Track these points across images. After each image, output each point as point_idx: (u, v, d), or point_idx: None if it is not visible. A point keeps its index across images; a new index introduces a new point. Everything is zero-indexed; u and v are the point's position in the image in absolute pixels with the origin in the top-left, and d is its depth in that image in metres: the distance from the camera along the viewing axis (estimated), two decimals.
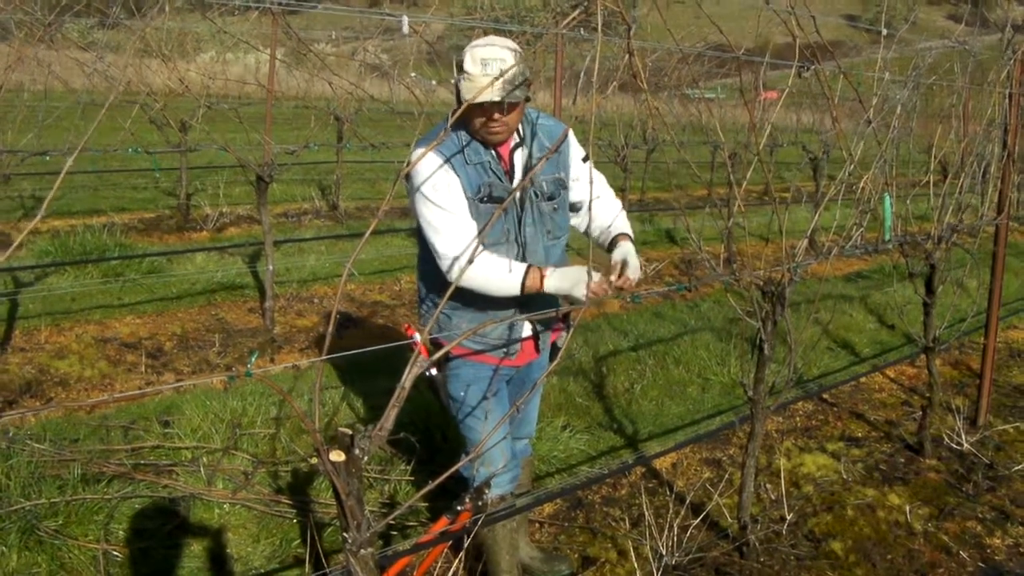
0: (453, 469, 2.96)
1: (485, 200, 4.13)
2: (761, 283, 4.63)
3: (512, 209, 4.24)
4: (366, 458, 2.56)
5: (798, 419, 7.30)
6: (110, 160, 16.82)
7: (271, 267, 9.03)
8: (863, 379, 8.12)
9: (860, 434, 7.02)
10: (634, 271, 4.20)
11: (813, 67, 4.66)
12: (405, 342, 3.72)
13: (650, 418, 7.15)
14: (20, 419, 6.53)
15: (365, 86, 14.99)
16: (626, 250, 4.30)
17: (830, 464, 6.44)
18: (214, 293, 10.28)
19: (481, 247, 4.06)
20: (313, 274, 11.22)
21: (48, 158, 10.81)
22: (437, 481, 2.72)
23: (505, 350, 4.39)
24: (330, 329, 2.78)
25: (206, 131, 10.14)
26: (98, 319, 9.17)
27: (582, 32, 11.48)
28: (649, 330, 9.37)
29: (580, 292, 3.95)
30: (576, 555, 5.22)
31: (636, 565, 4.81)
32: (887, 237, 5.90)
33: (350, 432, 2.52)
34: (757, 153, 4.55)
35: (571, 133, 4.37)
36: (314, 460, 2.53)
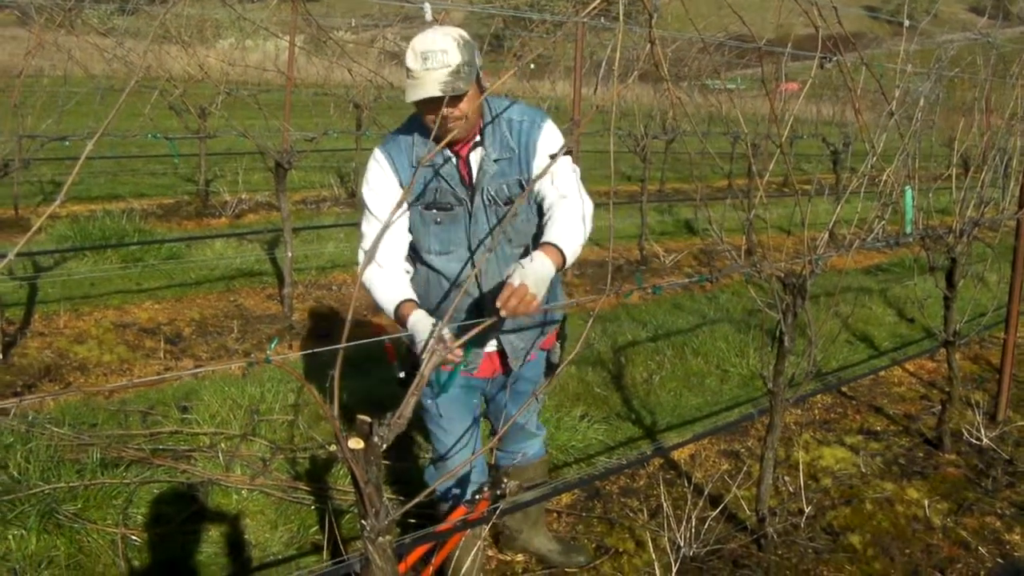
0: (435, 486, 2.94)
1: (430, 206, 3.93)
2: (782, 275, 4.61)
3: (463, 215, 3.95)
4: (385, 446, 2.56)
5: (816, 412, 7.28)
6: (129, 146, 16.86)
7: (290, 254, 9.03)
8: (882, 372, 8.09)
9: (879, 428, 7.00)
10: (531, 283, 3.40)
11: (836, 58, 4.63)
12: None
13: (668, 409, 7.14)
14: (39, 403, 6.55)
15: (384, 73, 14.98)
16: (524, 271, 3.44)
17: (848, 457, 6.42)
18: (233, 279, 10.31)
19: (404, 264, 4.01)
20: (332, 261, 11.24)
21: (68, 143, 10.83)
22: (408, 504, 2.71)
23: (466, 362, 4.04)
24: (349, 316, 2.78)
25: (225, 117, 10.13)
26: (117, 304, 9.20)
27: (603, 21, 11.46)
28: (668, 321, 9.36)
29: (421, 343, 3.50)
30: (593, 545, 5.21)
31: (654, 556, 4.80)
32: (908, 230, 5.87)
33: (369, 420, 2.52)
34: (779, 144, 4.53)
35: (545, 125, 3.99)
36: (332, 447, 2.53)
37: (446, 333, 3.21)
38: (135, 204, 13.57)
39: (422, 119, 3.81)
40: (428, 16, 8.22)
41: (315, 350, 3.05)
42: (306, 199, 15.14)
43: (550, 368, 4.44)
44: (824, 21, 4.35)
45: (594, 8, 3.36)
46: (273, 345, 2.74)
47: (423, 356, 3.08)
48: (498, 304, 3.35)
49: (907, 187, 5.76)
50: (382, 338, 4.01)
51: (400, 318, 3.74)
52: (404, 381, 4.15)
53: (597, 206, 4.04)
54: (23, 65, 7.84)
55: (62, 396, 6.80)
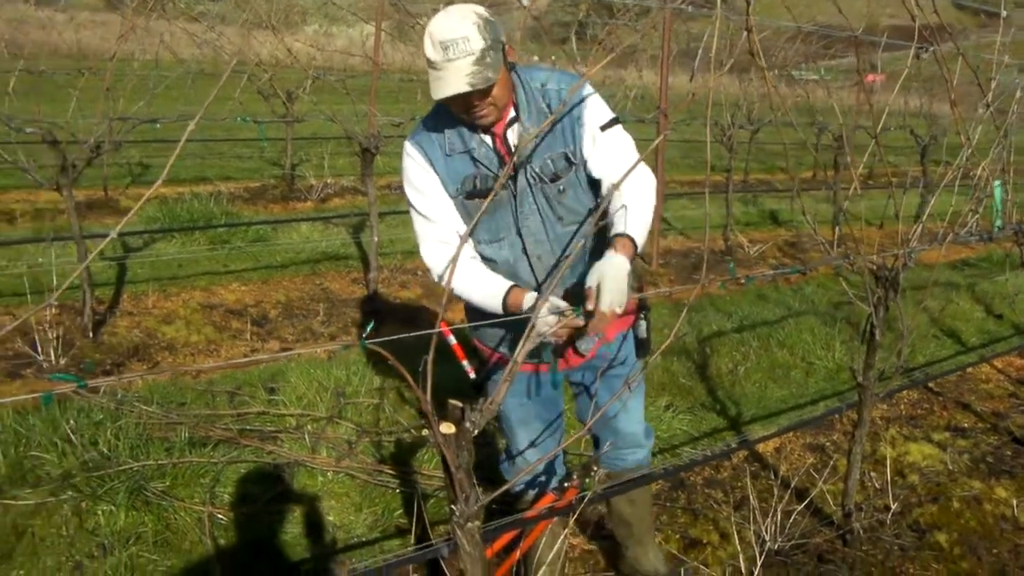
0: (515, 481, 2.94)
1: (471, 195, 3.72)
2: (874, 267, 4.56)
3: (508, 199, 3.75)
4: (476, 431, 2.57)
5: (903, 407, 7.20)
6: (216, 129, 17.02)
7: (376, 238, 9.07)
8: (969, 369, 7.98)
9: (966, 424, 6.90)
10: (609, 302, 3.30)
11: (932, 48, 4.57)
12: (515, 317, 3.65)
13: (753, 400, 7.10)
14: (128, 382, 6.65)
15: None
16: (601, 272, 3.35)
17: (935, 454, 6.34)
18: (318, 263, 10.40)
19: (471, 252, 3.81)
20: (417, 246, 11.26)
21: (158, 126, 10.98)
22: (498, 491, 2.71)
23: (538, 356, 3.94)
24: (444, 301, 2.79)
25: (314, 102, 10.21)
26: (204, 285, 9.31)
27: (688, 9, 11.39)
28: (753, 312, 9.31)
29: (542, 325, 3.38)
30: (678, 536, 5.20)
31: (739, 548, 4.78)
32: (999, 224, 5.79)
33: (461, 405, 2.52)
34: (875, 136, 4.47)
35: (586, 92, 3.74)
36: (424, 431, 2.53)
37: (563, 304, 3.26)
38: (222, 187, 13.71)
39: (451, 110, 3.57)
40: (525, 0, 8.18)
41: (411, 334, 3.04)
42: (391, 184, 15.19)
43: (639, 345, 4.14)
44: (921, 11, 4.29)
45: None
46: (370, 328, 2.75)
47: (544, 335, 3.05)
48: (591, 333, 3.35)
49: (996, 181, 5.68)
50: (474, 324, 3.99)
51: (513, 304, 3.61)
52: (477, 383, 4.14)
53: (681, 195, 3.95)
54: (115, 48, 7.95)
55: (154, 376, 6.89)
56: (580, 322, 3.33)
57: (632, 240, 3.51)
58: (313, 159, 16.17)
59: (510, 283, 3.68)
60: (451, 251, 3.73)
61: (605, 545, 5.00)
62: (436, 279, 3.86)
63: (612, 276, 3.32)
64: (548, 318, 3.37)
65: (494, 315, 3.73)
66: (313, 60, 14.21)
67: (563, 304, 3.30)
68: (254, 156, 17.17)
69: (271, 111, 14.64)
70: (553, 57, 14.69)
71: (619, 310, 3.30)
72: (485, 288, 3.69)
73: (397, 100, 15.45)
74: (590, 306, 3.30)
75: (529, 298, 3.56)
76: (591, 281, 3.32)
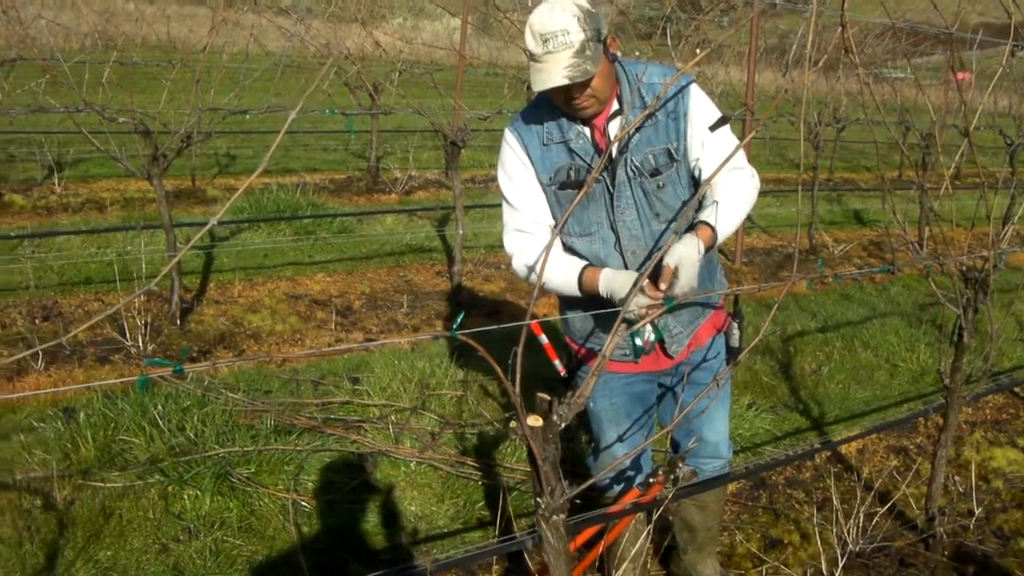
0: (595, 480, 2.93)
1: (565, 185, 3.68)
2: (964, 268, 4.50)
3: (602, 192, 3.69)
4: (563, 425, 2.57)
5: (988, 411, 7.10)
6: (302, 121, 17.18)
7: (461, 231, 9.10)
8: None
9: None
10: (683, 288, 3.32)
11: None
12: (609, 311, 3.63)
13: (836, 401, 7.04)
14: (214, 369, 6.74)
15: None
16: (679, 255, 3.34)
17: (1021, 459, 6.25)
18: (402, 255, 10.46)
19: (555, 241, 3.70)
20: (500, 240, 11.28)
21: (248, 117, 11.09)
22: (584, 485, 2.72)
23: (624, 353, 3.88)
24: (535, 293, 2.79)
25: (402, 95, 10.27)
26: (289, 276, 9.41)
27: (777, 4, 11.31)
28: (837, 312, 9.22)
29: (622, 297, 3.39)
30: (758, 535, 5.17)
31: (820, 549, 4.74)
32: None
33: (548, 398, 2.53)
34: (967, 133, 4.42)
35: (693, 90, 3.67)
36: (512, 423, 2.54)
37: (644, 283, 3.21)
38: (308, 178, 13.82)
39: (553, 101, 3.57)
40: None
41: (500, 326, 3.06)
42: (475, 177, 15.24)
43: (730, 353, 4.10)
44: (1017, 7, 4.23)
45: None
46: (460, 318, 2.75)
47: (628, 309, 3.02)
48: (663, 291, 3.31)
49: None
50: (562, 316, 3.99)
51: (588, 283, 3.58)
52: (566, 379, 4.14)
53: (766, 193, 3.89)
54: (207, 40, 8.05)
55: (249, 363, 6.97)
56: (657, 299, 3.31)
57: (713, 230, 3.50)
58: (398, 152, 16.26)
59: (585, 262, 3.66)
60: (530, 240, 3.77)
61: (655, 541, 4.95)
62: (514, 268, 3.87)
63: (689, 259, 3.33)
64: (637, 299, 3.31)
65: (585, 307, 3.76)
66: (400, 53, 14.28)
67: (646, 283, 3.28)
68: (339, 148, 17.31)
69: (357, 104, 14.73)
70: (637, 52, 14.66)
71: (688, 286, 3.32)
72: (561, 267, 3.67)
73: (483, 94, 15.51)
74: (663, 285, 3.29)
75: (605, 275, 3.54)
76: (671, 260, 3.30)
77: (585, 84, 3.38)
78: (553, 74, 3.30)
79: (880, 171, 18.43)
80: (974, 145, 4.40)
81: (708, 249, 3.48)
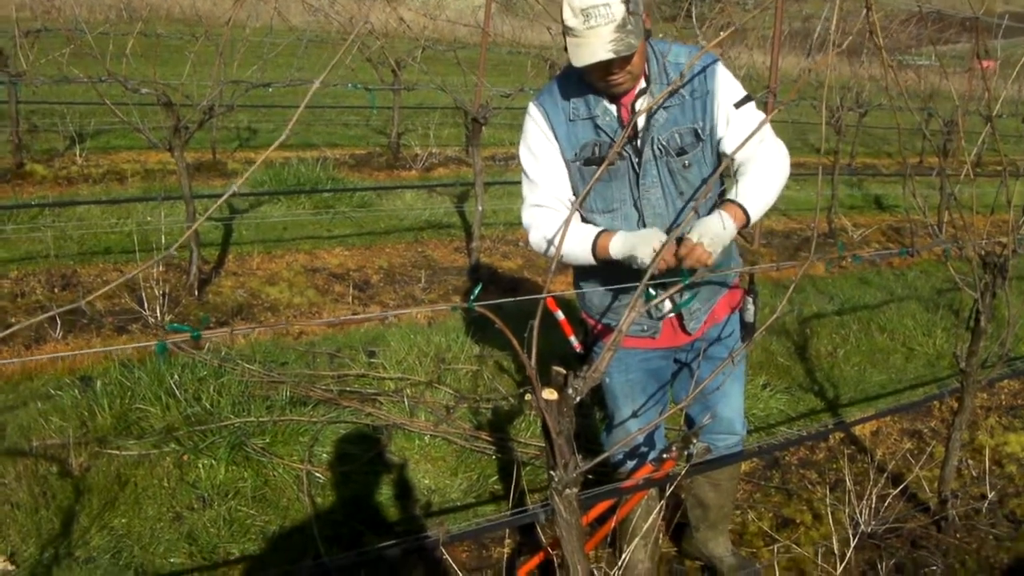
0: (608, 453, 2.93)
1: (589, 161, 3.67)
2: (983, 253, 4.50)
3: (626, 169, 3.69)
4: (578, 399, 2.58)
5: (1003, 397, 7.09)
6: (323, 96, 17.18)
7: (480, 208, 9.10)
8: None
9: None
10: (700, 235, 3.32)
11: None
12: (627, 286, 3.64)
13: (851, 383, 7.03)
14: (231, 338, 6.76)
15: None
16: (704, 229, 3.35)
17: None
18: (421, 231, 10.47)
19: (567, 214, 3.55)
20: (519, 218, 11.28)
21: (270, 90, 11.11)
22: (597, 459, 2.72)
23: (642, 329, 3.91)
24: (552, 267, 2.80)
25: (424, 71, 10.26)
26: (308, 249, 9.43)
27: None
28: (854, 295, 9.22)
29: (643, 254, 3.35)
30: (771, 514, 5.18)
31: (832, 530, 4.75)
32: None
33: (564, 372, 2.53)
34: (990, 119, 4.40)
35: (719, 69, 3.64)
36: (528, 396, 2.55)
37: (662, 236, 3.26)
38: (328, 153, 13.82)
39: (587, 77, 3.51)
40: None
41: (517, 299, 3.07)
42: (495, 155, 15.22)
43: (745, 329, 4.10)
44: None
45: None
46: (477, 291, 2.76)
47: (646, 267, 3.02)
48: (675, 255, 3.30)
49: None
50: (578, 291, 4.00)
51: (602, 248, 3.56)
52: (582, 355, 4.13)
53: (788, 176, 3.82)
54: (232, 13, 8.05)
55: (267, 331, 7.01)
56: (672, 251, 3.28)
57: (743, 209, 3.49)
58: (419, 128, 16.23)
59: (600, 228, 3.64)
60: (548, 214, 3.76)
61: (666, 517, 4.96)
62: (531, 241, 3.88)
63: (709, 226, 3.35)
64: (648, 246, 3.33)
65: (601, 280, 3.78)
66: (424, 29, 14.27)
67: (662, 235, 3.29)
68: (360, 123, 17.28)
69: (379, 79, 14.72)
70: (661, 35, 14.63)
71: (709, 249, 3.30)
72: (577, 234, 3.65)
73: (505, 72, 15.48)
74: (683, 250, 3.29)
75: (617, 238, 3.52)
76: (694, 235, 3.32)
77: (627, 59, 3.35)
78: (596, 48, 3.28)
79: (902, 156, 18.40)
80: (996, 131, 4.38)
81: (743, 227, 3.49)
